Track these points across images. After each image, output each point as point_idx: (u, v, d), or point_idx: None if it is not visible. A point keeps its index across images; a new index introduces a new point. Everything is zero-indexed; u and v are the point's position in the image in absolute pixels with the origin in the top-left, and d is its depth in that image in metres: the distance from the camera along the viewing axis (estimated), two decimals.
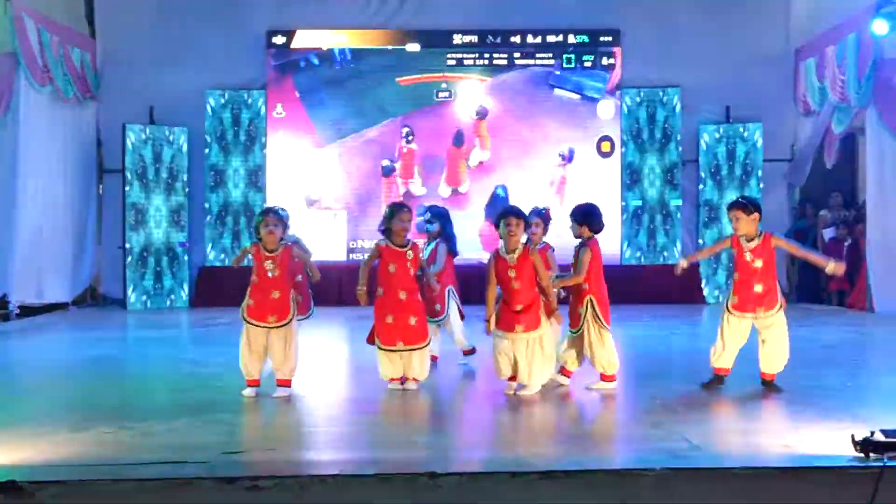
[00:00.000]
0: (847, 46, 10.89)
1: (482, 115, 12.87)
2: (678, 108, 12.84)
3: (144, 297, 12.22)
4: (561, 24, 12.84)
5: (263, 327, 5.78)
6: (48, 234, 11.33)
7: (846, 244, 12.05)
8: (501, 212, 5.82)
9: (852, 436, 4.11)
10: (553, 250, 6.67)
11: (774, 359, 5.85)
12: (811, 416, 5.17)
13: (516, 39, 12.87)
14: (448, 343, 7.13)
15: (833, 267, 5.89)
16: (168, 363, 7.92)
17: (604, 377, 6.00)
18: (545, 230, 6.64)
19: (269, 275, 5.79)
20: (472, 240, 12.47)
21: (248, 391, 5.80)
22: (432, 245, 6.96)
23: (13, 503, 3.66)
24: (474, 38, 12.88)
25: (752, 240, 5.81)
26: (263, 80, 12.83)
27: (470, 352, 7.14)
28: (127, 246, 12.05)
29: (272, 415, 5.50)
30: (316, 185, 12.77)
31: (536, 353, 5.75)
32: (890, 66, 10.50)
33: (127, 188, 12.03)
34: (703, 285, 12.64)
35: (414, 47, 12.80)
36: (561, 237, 6.95)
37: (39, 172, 11.08)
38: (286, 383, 5.85)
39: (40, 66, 10.80)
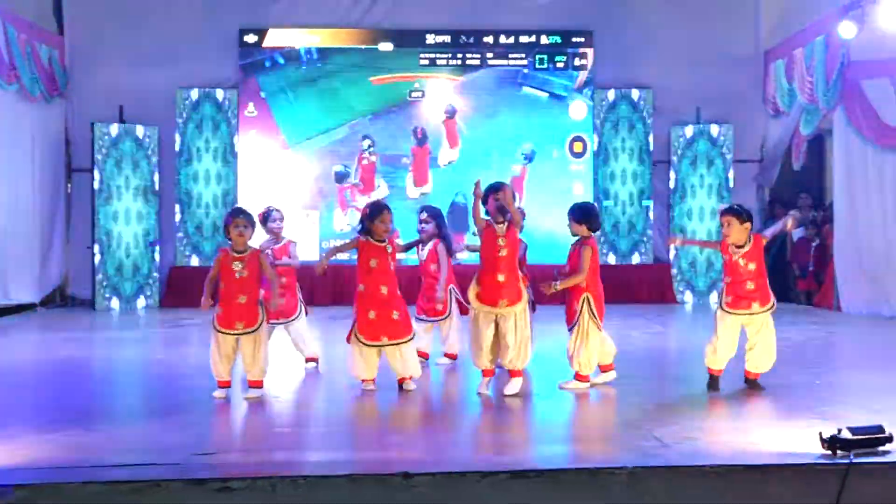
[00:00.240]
0: (815, 49, 11.03)
1: (451, 114, 12.87)
2: (649, 108, 12.94)
3: (114, 298, 12.09)
4: (533, 24, 12.87)
5: (232, 334, 5.74)
6: (15, 234, 11.17)
7: (814, 245, 12.21)
8: (488, 188, 5.84)
9: (820, 433, 4.16)
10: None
11: (762, 360, 5.91)
12: (779, 414, 5.24)
13: (489, 40, 12.89)
14: (434, 344, 7.12)
15: (790, 223, 6.06)
16: (137, 364, 7.86)
17: (578, 376, 6.02)
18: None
19: (237, 276, 5.73)
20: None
21: (219, 392, 5.76)
22: (430, 245, 6.94)
23: None
24: (447, 38, 12.88)
25: (743, 246, 5.86)
26: (235, 78, 12.75)
27: (453, 356, 7.13)
28: (96, 246, 11.93)
29: (243, 416, 5.47)
30: (286, 186, 12.69)
31: (521, 328, 5.75)
32: (857, 68, 10.64)
33: (96, 187, 11.90)
34: (675, 286, 12.75)
35: (387, 47, 12.78)
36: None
37: (5, 172, 10.92)
38: (258, 384, 5.82)
39: (6, 63, 10.64)
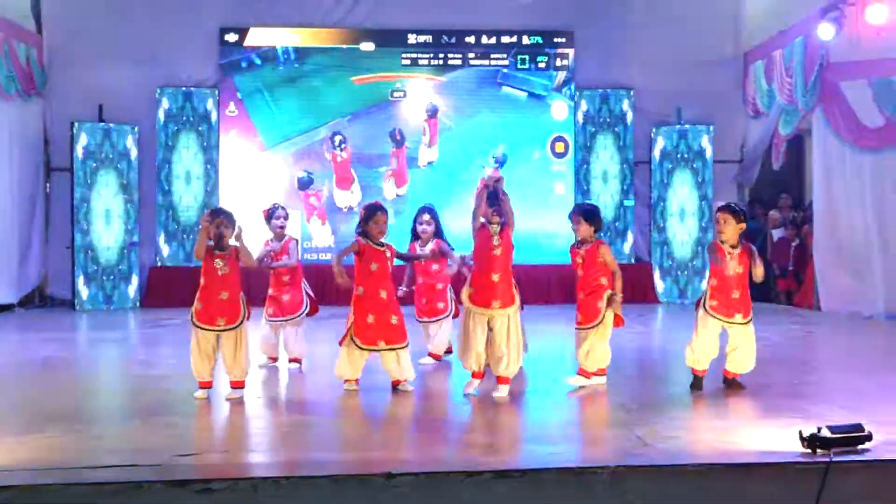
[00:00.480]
0: (794, 50, 11.11)
1: (432, 113, 12.86)
2: (631, 109, 13.00)
3: (94, 298, 12.00)
4: (515, 24, 12.91)
5: (213, 331, 5.72)
6: None
7: (793, 244, 12.30)
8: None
9: (800, 432, 4.19)
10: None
11: (742, 362, 5.94)
12: (760, 413, 5.28)
13: (471, 40, 12.91)
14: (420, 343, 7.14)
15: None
16: (118, 365, 7.80)
17: (587, 373, 6.03)
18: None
19: (220, 273, 5.72)
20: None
21: (200, 393, 5.73)
22: (430, 245, 6.95)
23: None
24: (429, 38, 12.88)
25: (735, 247, 5.89)
26: (216, 77, 12.69)
27: (438, 357, 7.13)
28: (76, 246, 11.83)
29: (225, 416, 5.44)
30: (267, 185, 12.64)
31: (512, 332, 5.74)
32: (835, 69, 10.74)
33: (75, 187, 11.81)
34: (656, 285, 12.81)
35: (368, 46, 12.76)
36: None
37: None
38: (239, 384, 5.79)
39: None
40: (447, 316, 7.00)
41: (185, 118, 12.60)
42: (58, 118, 12.26)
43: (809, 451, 4.11)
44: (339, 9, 12.80)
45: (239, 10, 12.67)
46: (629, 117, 13.01)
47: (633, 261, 12.91)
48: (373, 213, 5.91)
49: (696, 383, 5.94)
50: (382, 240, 5.97)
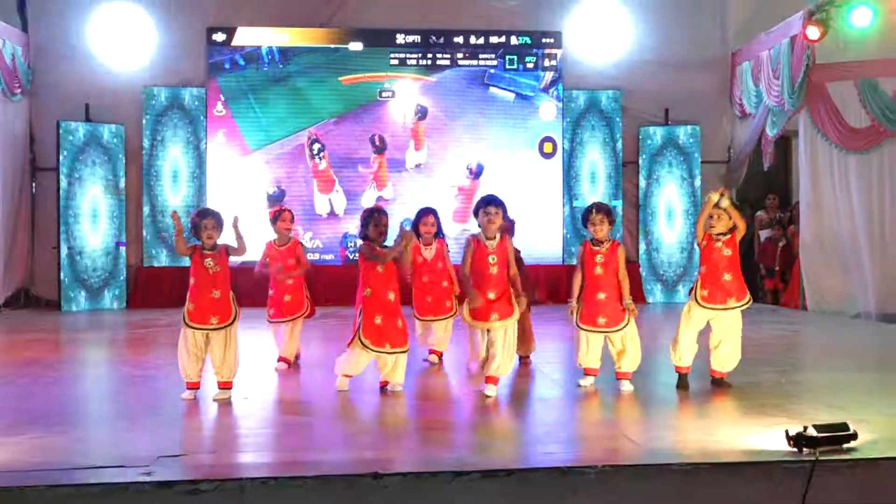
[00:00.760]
0: (781, 51, 11.17)
1: (421, 115, 12.85)
2: (618, 109, 13.03)
3: (80, 298, 11.94)
4: (503, 25, 12.92)
5: (205, 330, 5.70)
6: None
7: (780, 245, 12.37)
8: (480, 201, 5.89)
9: (786, 431, 4.21)
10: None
11: (727, 359, 5.97)
12: (746, 412, 5.29)
13: (459, 40, 12.90)
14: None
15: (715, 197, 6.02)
16: (104, 365, 7.76)
17: (624, 375, 6.02)
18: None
19: (210, 271, 5.70)
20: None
21: (187, 394, 5.71)
22: (434, 245, 7.05)
23: None
24: (417, 38, 12.87)
25: (723, 234, 5.95)
26: (203, 77, 12.64)
27: (440, 353, 7.20)
28: (61, 246, 11.77)
29: (212, 417, 5.42)
30: (254, 186, 12.61)
31: (509, 339, 5.79)
32: (822, 70, 10.80)
33: (61, 186, 11.75)
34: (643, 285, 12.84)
35: (357, 46, 12.74)
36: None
37: None
38: (227, 385, 5.77)
39: None
40: (453, 315, 7.06)
41: (172, 118, 12.54)
42: (44, 117, 12.17)
43: (795, 450, 4.13)
44: (327, 9, 12.77)
45: (227, 9, 12.63)
46: (617, 118, 13.04)
47: None
48: (370, 217, 5.96)
49: (682, 382, 5.96)
50: (384, 241, 5.98)
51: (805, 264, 11.28)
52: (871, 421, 4.75)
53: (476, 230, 5.92)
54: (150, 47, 12.40)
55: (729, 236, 5.93)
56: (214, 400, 5.68)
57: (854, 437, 4.23)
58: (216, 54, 12.57)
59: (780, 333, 9.35)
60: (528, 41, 12.98)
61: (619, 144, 13.03)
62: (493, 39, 12.94)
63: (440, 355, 7.20)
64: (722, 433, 4.69)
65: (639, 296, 12.69)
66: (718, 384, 5.98)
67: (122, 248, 12.33)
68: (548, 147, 13.04)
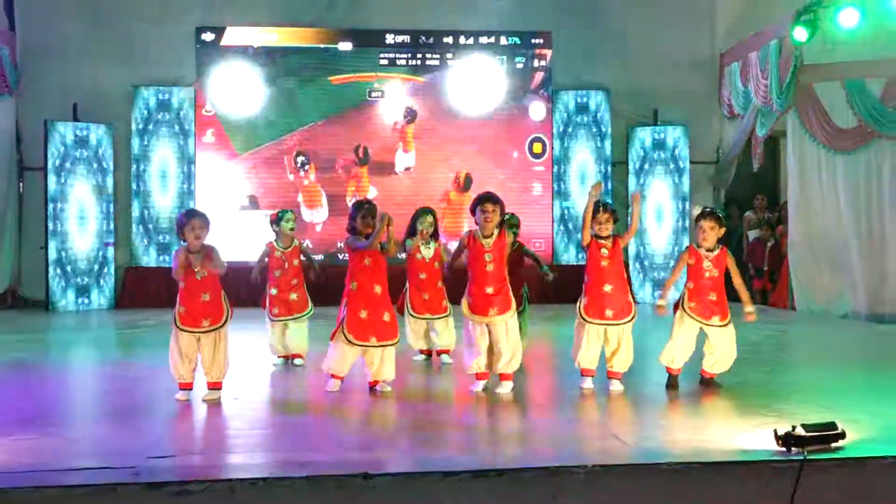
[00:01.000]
0: (769, 52, 11.21)
1: (410, 118, 12.83)
2: (607, 110, 13.05)
3: (68, 299, 11.88)
4: (493, 25, 12.92)
5: (197, 333, 5.67)
6: None
7: (768, 245, 12.41)
8: (477, 198, 5.90)
9: (774, 431, 4.22)
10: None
11: (720, 363, 6.00)
12: (735, 411, 5.31)
13: (448, 40, 12.90)
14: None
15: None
16: (92, 366, 7.72)
17: (615, 374, 6.01)
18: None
19: (198, 276, 5.67)
20: None
21: (181, 394, 5.68)
22: (433, 244, 7.08)
23: None
24: (407, 38, 12.85)
25: (712, 250, 5.94)
26: (192, 77, 12.59)
27: (448, 351, 7.21)
28: (49, 246, 11.70)
29: (201, 418, 5.40)
30: (243, 186, 12.57)
31: (511, 333, 5.80)
32: (809, 71, 10.84)
33: (49, 186, 11.68)
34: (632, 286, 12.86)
35: (346, 46, 12.71)
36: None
37: None
38: (217, 385, 5.75)
39: None
40: (449, 314, 7.08)
41: (160, 117, 12.49)
42: (31, 117, 12.09)
43: (784, 449, 4.14)
44: (316, 8, 12.74)
45: (216, 8, 12.59)
46: (606, 118, 13.06)
47: None
48: (358, 209, 5.95)
49: (672, 382, 5.98)
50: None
51: (793, 264, 11.33)
52: (860, 420, 4.77)
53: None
54: (138, 47, 12.33)
55: (718, 252, 5.93)
56: (204, 400, 5.66)
57: (842, 436, 4.24)
58: (205, 53, 12.52)
59: (768, 333, 9.37)
60: (518, 41, 12.98)
61: (609, 145, 13.06)
62: (483, 40, 12.94)
63: (448, 352, 7.20)
64: (711, 433, 4.70)
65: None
66: (707, 384, 6.01)
67: (110, 248, 12.27)
68: (537, 147, 13.05)
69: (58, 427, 4.95)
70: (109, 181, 12.23)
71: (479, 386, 5.89)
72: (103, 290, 12.21)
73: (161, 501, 3.69)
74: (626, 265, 12.73)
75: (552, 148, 13.04)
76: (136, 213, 12.43)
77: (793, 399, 5.59)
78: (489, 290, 5.77)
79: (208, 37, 12.54)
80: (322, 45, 12.72)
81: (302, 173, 12.62)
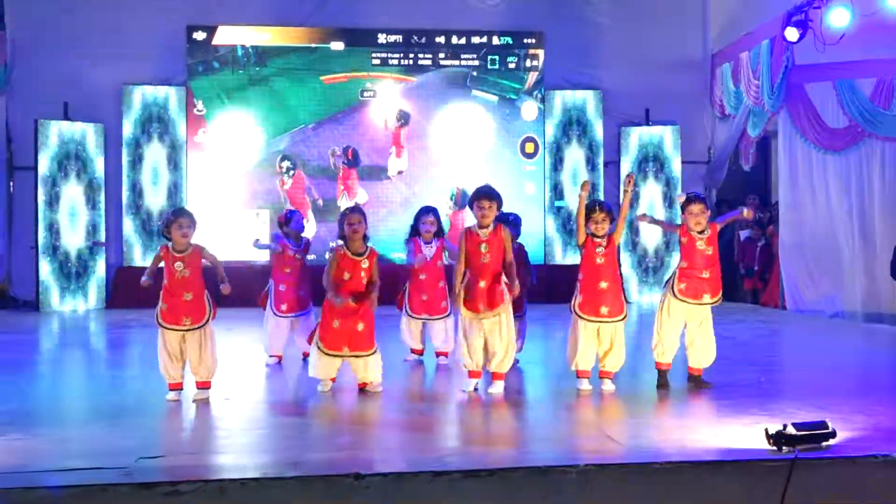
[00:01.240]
0: (761, 52, 11.24)
1: (403, 121, 12.80)
2: (600, 110, 13.07)
3: (58, 299, 11.83)
4: (485, 25, 12.92)
5: (178, 330, 5.66)
6: None
7: (760, 244, 12.44)
8: (474, 194, 5.93)
9: (766, 430, 4.24)
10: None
11: (704, 354, 6.01)
12: (726, 411, 5.32)
13: (441, 40, 12.89)
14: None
15: (747, 212, 6.28)
16: (83, 366, 7.70)
17: (607, 374, 6.04)
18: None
19: (178, 276, 5.66)
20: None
21: (171, 395, 5.67)
22: (435, 244, 7.07)
23: None
24: (399, 38, 12.84)
25: (704, 230, 5.98)
26: (184, 75, 12.56)
27: (446, 353, 7.19)
28: (40, 245, 11.65)
29: (192, 418, 5.38)
30: (235, 185, 12.54)
31: (504, 331, 5.80)
32: (801, 71, 10.87)
33: (39, 186, 11.63)
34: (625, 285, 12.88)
35: (338, 45, 12.69)
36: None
37: None
38: (205, 385, 5.74)
39: None
40: (448, 315, 7.06)
41: (151, 116, 12.44)
42: (21, 116, 12.04)
43: (775, 448, 4.16)
44: (308, 7, 12.72)
45: (208, 7, 12.55)
46: (598, 118, 13.07)
47: None
48: (344, 217, 5.93)
49: (662, 381, 5.99)
50: (367, 245, 5.93)
51: (784, 264, 11.36)
52: (850, 419, 4.78)
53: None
54: (129, 46, 12.28)
55: (710, 233, 5.97)
56: (194, 401, 5.64)
57: (833, 435, 4.26)
58: (196, 53, 12.49)
59: (759, 333, 9.41)
60: (511, 41, 12.99)
61: (601, 144, 13.07)
62: (475, 40, 12.94)
63: (446, 354, 7.19)
64: (702, 432, 4.71)
65: None
66: (696, 382, 6.01)
67: (101, 248, 12.23)
68: (529, 147, 13.05)
69: (48, 427, 4.93)
70: (100, 180, 12.18)
71: (471, 385, 5.89)
72: (94, 290, 12.16)
73: (152, 502, 3.68)
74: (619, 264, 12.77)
75: (544, 148, 13.05)
76: (127, 212, 12.38)
77: (783, 398, 5.62)
78: (482, 284, 5.76)
79: (199, 36, 12.50)
80: (314, 45, 12.69)
81: (285, 177, 12.57)
